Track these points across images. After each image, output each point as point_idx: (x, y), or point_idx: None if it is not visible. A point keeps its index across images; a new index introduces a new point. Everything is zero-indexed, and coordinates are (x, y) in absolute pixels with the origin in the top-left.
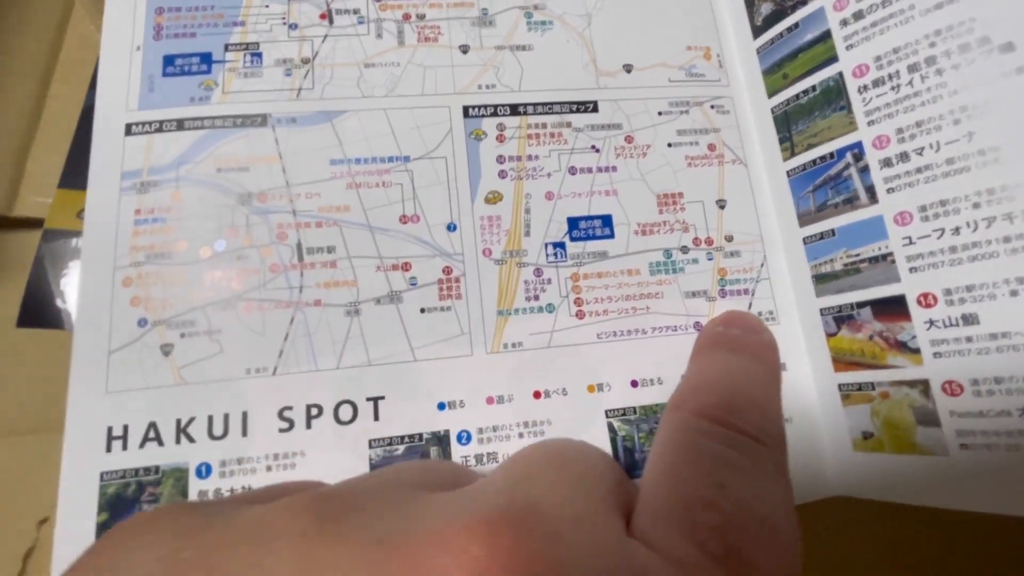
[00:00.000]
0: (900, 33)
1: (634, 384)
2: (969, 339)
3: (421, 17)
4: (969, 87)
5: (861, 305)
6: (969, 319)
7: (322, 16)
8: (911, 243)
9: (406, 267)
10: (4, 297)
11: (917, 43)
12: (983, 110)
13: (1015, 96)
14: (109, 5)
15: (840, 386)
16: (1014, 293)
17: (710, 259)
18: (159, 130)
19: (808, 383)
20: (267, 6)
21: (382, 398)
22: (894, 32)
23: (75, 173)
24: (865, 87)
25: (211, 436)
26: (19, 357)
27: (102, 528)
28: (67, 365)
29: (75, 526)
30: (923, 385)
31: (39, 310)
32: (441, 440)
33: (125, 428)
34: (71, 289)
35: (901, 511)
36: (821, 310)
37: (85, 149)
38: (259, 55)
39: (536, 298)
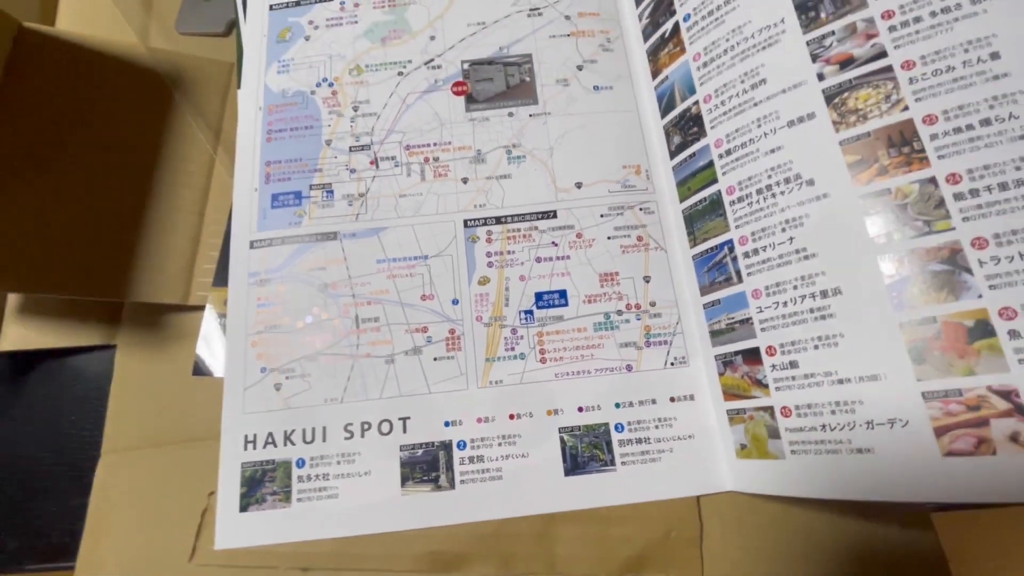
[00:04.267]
0: (751, 167)
1: (580, 409)
2: (793, 378)
3: (436, 159)
4: (790, 207)
5: (736, 354)
6: (793, 364)
7: (371, 163)
8: (761, 311)
9: (424, 330)
10: (186, 356)
11: (760, 175)
12: (798, 223)
13: (815, 215)
14: (239, 160)
15: (728, 411)
16: (816, 347)
17: (638, 319)
18: (270, 245)
19: (709, 409)
20: (335, 157)
21: (408, 418)
22: (748, 166)
23: (222, 276)
24: (733, 202)
25: (304, 441)
26: (194, 395)
27: (243, 497)
28: (219, 398)
29: (228, 495)
30: (770, 411)
31: (203, 365)
32: (446, 446)
33: (255, 436)
34: (221, 350)
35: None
36: (715, 357)
37: (227, 259)
38: (331, 192)
39: (512, 349)
